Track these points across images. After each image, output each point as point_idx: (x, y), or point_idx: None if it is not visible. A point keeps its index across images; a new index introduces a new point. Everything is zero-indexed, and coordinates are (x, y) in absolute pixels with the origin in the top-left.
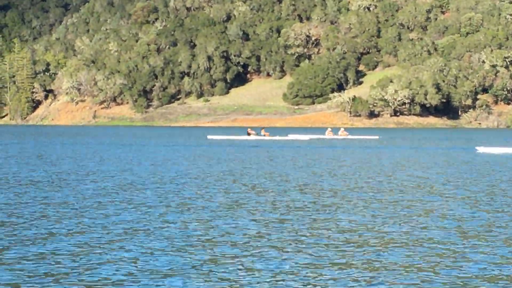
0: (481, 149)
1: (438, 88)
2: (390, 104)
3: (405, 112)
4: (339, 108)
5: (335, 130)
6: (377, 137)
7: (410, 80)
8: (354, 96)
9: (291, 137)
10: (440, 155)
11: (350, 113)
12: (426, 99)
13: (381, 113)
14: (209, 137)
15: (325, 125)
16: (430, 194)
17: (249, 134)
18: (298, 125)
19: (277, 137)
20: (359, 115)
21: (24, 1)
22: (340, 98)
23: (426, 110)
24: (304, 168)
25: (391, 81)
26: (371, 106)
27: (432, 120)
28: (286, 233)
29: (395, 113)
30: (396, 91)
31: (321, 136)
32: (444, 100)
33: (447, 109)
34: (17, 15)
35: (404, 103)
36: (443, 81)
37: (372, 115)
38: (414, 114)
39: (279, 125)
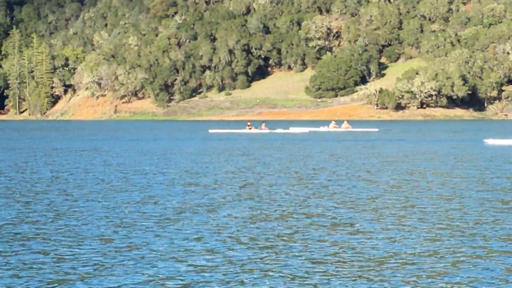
0: (489, 141)
1: (464, 80)
2: (417, 96)
3: (431, 104)
4: (363, 100)
5: (339, 123)
6: (376, 129)
7: (436, 71)
8: (381, 88)
9: (292, 130)
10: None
11: (377, 106)
12: (453, 90)
13: (408, 105)
14: (210, 131)
15: (352, 118)
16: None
17: (249, 128)
18: (324, 118)
19: (279, 130)
20: (386, 108)
21: None
22: (366, 90)
23: (452, 102)
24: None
25: (417, 73)
26: (397, 98)
27: (458, 112)
28: None
29: (422, 105)
30: (422, 83)
31: (322, 129)
32: (470, 92)
33: (473, 100)
34: (33, 10)
35: (430, 95)
36: (469, 72)
37: (398, 107)
38: (440, 106)
39: (305, 118)
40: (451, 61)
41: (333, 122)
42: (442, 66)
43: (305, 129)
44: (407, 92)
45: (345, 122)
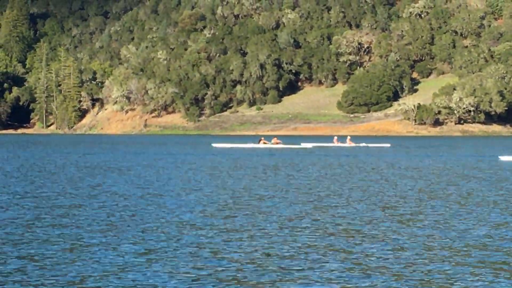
0: (504, 158)
1: (502, 96)
2: (455, 112)
3: (469, 120)
4: (398, 116)
5: (342, 139)
6: (388, 145)
7: (474, 87)
8: (419, 104)
9: (304, 145)
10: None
11: (415, 121)
12: (491, 106)
13: (446, 121)
14: (214, 145)
15: (390, 133)
16: None
17: (259, 142)
18: (361, 133)
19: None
20: (424, 123)
21: (62, 9)
22: (404, 106)
23: (490, 118)
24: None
25: (454, 89)
26: (435, 114)
27: (496, 128)
28: None
29: (459, 121)
30: (461, 99)
31: (326, 144)
32: (507, 108)
33: (510, 116)
34: (57, 23)
35: (468, 111)
36: (505, 88)
37: (436, 123)
38: (478, 122)
39: (342, 133)
40: (487, 76)
41: (335, 137)
42: (479, 82)
43: (309, 145)
44: (445, 107)
45: (348, 137)
